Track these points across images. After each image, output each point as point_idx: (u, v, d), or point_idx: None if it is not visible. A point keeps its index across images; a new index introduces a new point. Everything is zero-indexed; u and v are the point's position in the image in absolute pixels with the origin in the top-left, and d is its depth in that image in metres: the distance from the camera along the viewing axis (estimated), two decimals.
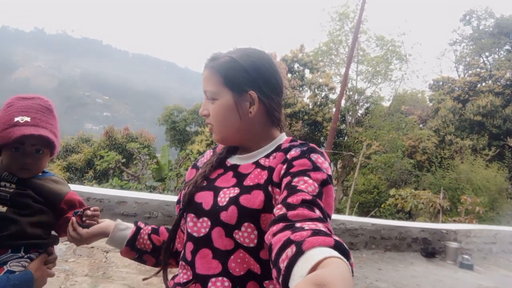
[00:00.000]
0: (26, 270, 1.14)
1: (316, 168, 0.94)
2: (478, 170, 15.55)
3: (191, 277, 1.03)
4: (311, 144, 1.04)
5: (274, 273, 0.69)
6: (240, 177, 1.06)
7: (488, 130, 19.73)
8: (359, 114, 20.71)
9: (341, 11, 19.23)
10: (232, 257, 0.98)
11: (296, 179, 0.91)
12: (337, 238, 0.66)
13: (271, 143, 1.11)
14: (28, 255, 1.17)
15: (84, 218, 1.21)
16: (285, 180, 0.93)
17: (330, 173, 0.97)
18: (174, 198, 5.97)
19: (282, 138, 1.13)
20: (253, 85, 1.06)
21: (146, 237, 1.23)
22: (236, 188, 1.02)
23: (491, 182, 14.75)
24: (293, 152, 1.00)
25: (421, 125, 22.50)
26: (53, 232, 1.29)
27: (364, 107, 21.08)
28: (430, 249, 7.07)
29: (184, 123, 24.24)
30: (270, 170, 1.01)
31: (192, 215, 1.06)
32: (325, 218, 0.82)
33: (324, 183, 0.92)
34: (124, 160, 10.36)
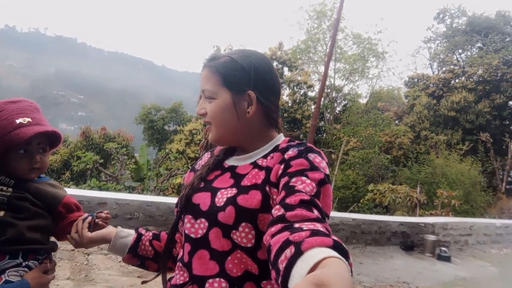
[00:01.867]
0: (23, 280, 1.12)
1: (313, 167, 0.94)
2: (453, 164, 15.98)
3: (187, 279, 1.03)
4: (309, 144, 1.04)
5: (273, 274, 0.69)
6: (237, 177, 1.06)
7: (462, 125, 20.31)
8: (337, 111, 20.96)
9: (319, 9, 19.38)
10: (229, 257, 0.98)
11: (293, 179, 0.91)
12: (335, 238, 0.66)
13: (269, 144, 1.11)
14: (26, 263, 1.15)
15: (97, 220, 1.22)
16: (283, 180, 0.93)
17: (327, 172, 0.97)
18: (154, 198, 5.91)
19: (280, 138, 1.13)
20: (251, 85, 1.07)
21: (147, 243, 1.23)
22: (234, 189, 1.02)
23: (465, 175, 15.18)
24: (291, 152, 1.00)
25: (397, 121, 22.96)
26: (52, 238, 1.28)
27: (342, 104, 21.35)
28: (409, 242, 7.24)
29: (162, 122, 23.93)
30: (268, 170, 1.01)
31: (190, 216, 1.06)
32: (323, 218, 0.83)
33: (321, 183, 0.92)
34: (102, 161, 10.13)
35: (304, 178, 0.91)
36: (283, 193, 0.89)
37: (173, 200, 5.99)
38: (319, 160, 0.97)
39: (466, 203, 13.76)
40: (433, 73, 26.19)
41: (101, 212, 1.25)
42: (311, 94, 20.03)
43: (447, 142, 19.31)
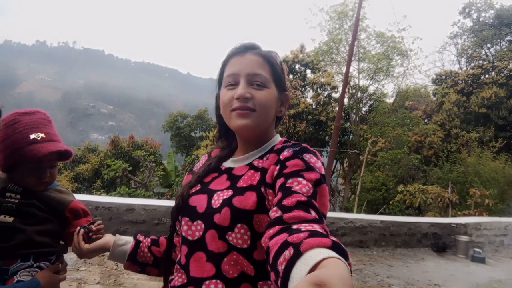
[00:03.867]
0: (33, 278, 1.16)
1: (309, 168, 0.95)
2: (486, 163, 15.44)
3: (185, 281, 1.04)
4: (304, 144, 1.05)
5: (272, 275, 0.69)
6: (233, 179, 1.07)
7: (494, 121, 19.58)
8: (363, 112, 20.64)
9: (340, 10, 19.21)
10: (225, 259, 0.99)
11: (290, 180, 0.91)
12: (334, 239, 0.66)
13: (266, 144, 1.12)
14: (38, 264, 1.19)
15: (90, 234, 1.24)
16: (279, 182, 0.94)
17: (323, 172, 0.97)
18: None
19: (276, 139, 1.15)
20: (286, 87, 1.15)
21: (146, 250, 1.25)
22: (230, 190, 1.03)
23: (499, 173, 14.63)
24: (286, 153, 1.00)
25: (426, 120, 22.38)
26: (61, 242, 1.32)
27: (368, 104, 21.01)
28: (441, 243, 7.04)
29: (188, 129, 24.25)
30: (263, 171, 1.02)
31: (187, 218, 1.07)
32: (320, 218, 0.83)
33: (317, 183, 0.92)
34: (130, 168, 10.39)
35: (300, 178, 0.91)
36: (279, 195, 0.89)
37: None
38: (314, 160, 0.98)
39: (502, 202, 13.26)
40: (461, 69, 25.42)
41: (92, 224, 1.26)
42: (335, 95, 19.81)
43: (479, 139, 18.67)
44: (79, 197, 5.82)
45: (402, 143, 17.70)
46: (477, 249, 6.79)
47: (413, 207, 13.76)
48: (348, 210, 15.80)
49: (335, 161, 19.66)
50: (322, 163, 1.01)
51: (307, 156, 0.98)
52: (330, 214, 7.20)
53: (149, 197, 10.17)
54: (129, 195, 9.16)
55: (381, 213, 13.29)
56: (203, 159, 1.27)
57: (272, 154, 1.05)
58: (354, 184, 17.78)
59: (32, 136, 1.17)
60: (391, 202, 14.34)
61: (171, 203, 5.97)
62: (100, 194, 11.02)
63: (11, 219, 1.17)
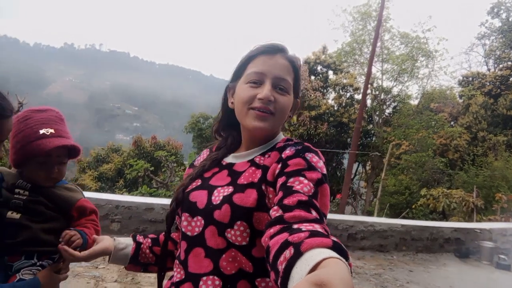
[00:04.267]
0: (34, 278, 1.18)
1: (311, 167, 0.95)
2: None
3: (183, 276, 1.04)
4: (306, 143, 1.05)
5: (272, 275, 0.70)
6: (234, 175, 1.07)
7: None
8: (386, 114, 20.33)
9: (363, 11, 19.01)
10: (223, 256, 0.99)
11: (291, 179, 0.91)
12: (335, 239, 0.66)
13: (269, 142, 1.12)
14: (41, 262, 1.21)
15: (71, 247, 1.17)
16: (280, 180, 0.94)
17: (324, 172, 0.97)
18: None
19: (279, 137, 1.15)
20: (299, 94, 1.16)
21: (147, 251, 1.25)
22: (230, 187, 1.03)
23: None
24: (288, 151, 1.00)
25: (452, 123, 21.84)
26: None
27: (392, 106, 20.68)
28: (464, 249, 6.86)
29: (210, 130, 24.39)
30: (265, 169, 1.02)
31: (187, 214, 1.07)
32: (321, 218, 0.82)
33: (319, 183, 0.92)
34: (152, 168, 10.56)
35: (301, 178, 0.91)
36: (280, 194, 0.89)
37: None
38: (316, 160, 0.98)
39: None
40: (489, 70, 24.70)
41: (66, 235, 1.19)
42: (357, 97, 19.57)
43: (507, 143, 18.09)
44: (101, 196, 5.95)
45: (427, 146, 17.33)
46: (503, 256, 6.59)
47: (437, 212, 13.46)
48: (370, 213, 15.58)
49: (357, 163, 19.43)
50: (324, 163, 1.01)
51: (309, 156, 0.98)
52: (349, 218, 7.12)
53: (169, 197, 10.32)
54: (150, 195, 9.31)
55: (404, 217, 13.03)
56: (204, 153, 1.27)
57: (274, 152, 1.05)
58: (377, 187, 17.51)
59: (41, 131, 1.19)
60: (414, 206, 14.06)
61: None
62: (122, 193, 11.23)
63: (18, 216, 1.19)
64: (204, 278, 0.99)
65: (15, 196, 1.21)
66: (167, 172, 11.41)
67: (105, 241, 1.21)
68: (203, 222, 1.02)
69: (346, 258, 0.61)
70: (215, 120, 1.25)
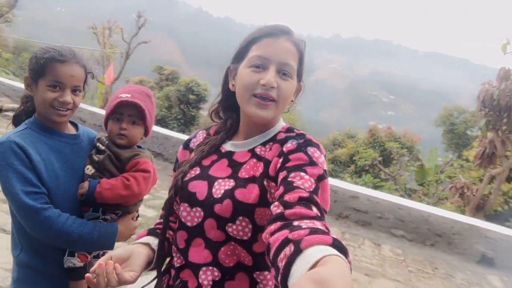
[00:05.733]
0: (114, 222, 1.36)
1: (312, 162, 0.94)
2: None
3: (183, 262, 1.07)
4: (308, 136, 1.01)
5: (272, 272, 0.71)
6: (235, 166, 1.06)
7: None
8: None
9: None
10: (222, 248, 1.00)
11: (292, 174, 0.90)
12: (334, 236, 0.67)
13: (269, 130, 1.10)
14: (104, 216, 1.37)
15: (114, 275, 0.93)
16: (281, 175, 0.93)
17: (325, 167, 0.96)
18: (407, 203, 5.72)
19: (280, 125, 1.12)
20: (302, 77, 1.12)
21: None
22: (231, 180, 1.02)
23: None
24: (289, 145, 0.99)
25: None
26: None
27: None
28: None
29: (464, 125, 21.79)
30: (266, 163, 1.01)
31: (186, 204, 1.07)
32: (322, 215, 0.82)
33: (320, 178, 0.91)
34: (380, 159, 10.40)
35: (303, 173, 0.90)
36: (281, 189, 0.89)
37: (432, 210, 5.63)
38: (318, 155, 0.96)
39: None
40: None
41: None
42: None
43: None
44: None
45: None
46: None
47: None
48: None
49: None
50: (325, 156, 0.99)
51: (310, 150, 0.97)
52: None
53: (395, 191, 9.97)
54: (374, 185, 9.25)
55: None
56: (200, 135, 1.24)
57: (275, 145, 1.04)
58: None
59: (121, 95, 1.36)
60: None
61: (397, 199, 5.82)
62: (351, 178, 11.53)
63: (91, 172, 1.36)
64: (204, 268, 1.01)
65: (96, 149, 1.41)
66: (397, 165, 11.04)
67: (140, 253, 1.05)
68: (202, 214, 1.03)
69: (346, 256, 0.62)
70: (214, 101, 1.21)
